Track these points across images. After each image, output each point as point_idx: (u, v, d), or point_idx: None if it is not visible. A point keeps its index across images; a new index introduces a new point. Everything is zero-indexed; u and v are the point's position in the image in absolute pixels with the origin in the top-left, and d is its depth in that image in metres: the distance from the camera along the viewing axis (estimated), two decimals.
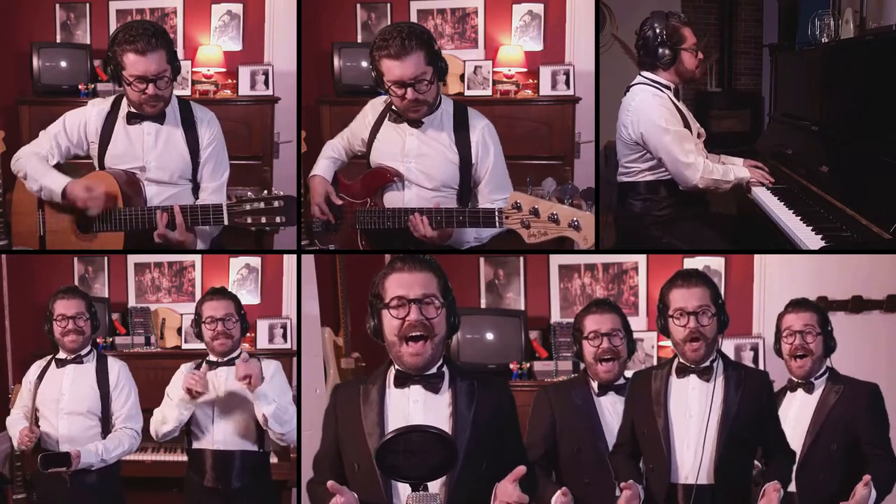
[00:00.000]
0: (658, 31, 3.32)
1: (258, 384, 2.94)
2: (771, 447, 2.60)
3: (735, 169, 3.42)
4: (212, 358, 3.18)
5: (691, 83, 3.49)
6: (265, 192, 2.95)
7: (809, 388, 2.90)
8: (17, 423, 3.20)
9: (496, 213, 2.84)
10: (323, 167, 3.28)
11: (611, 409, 2.88)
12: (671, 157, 3.30)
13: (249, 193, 2.96)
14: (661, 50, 3.32)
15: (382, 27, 3.15)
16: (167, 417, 3.06)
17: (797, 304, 2.93)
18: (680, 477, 2.51)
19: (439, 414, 2.08)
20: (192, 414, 3.09)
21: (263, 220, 2.91)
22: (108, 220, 3.07)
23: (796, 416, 2.85)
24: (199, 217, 3.00)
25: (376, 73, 2.98)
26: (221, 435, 3.08)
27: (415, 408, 2.09)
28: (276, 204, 2.89)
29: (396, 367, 2.13)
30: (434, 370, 2.12)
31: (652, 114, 3.30)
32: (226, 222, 2.96)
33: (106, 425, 3.18)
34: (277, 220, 2.90)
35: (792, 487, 2.82)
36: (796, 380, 2.92)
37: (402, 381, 2.11)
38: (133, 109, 3.13)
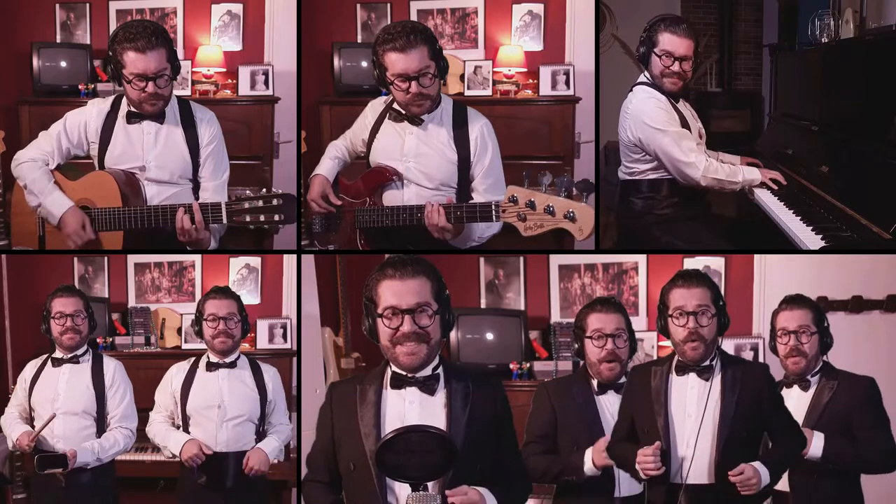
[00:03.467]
0: (645, 28, 3.34)
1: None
2: (777, 435, 2.57)
3: (745, 170, 3.41)
4: (212, 359, 3.18)
5: (666, 91, 3.34)
6: (264, 190, 2.95)
7: (805, 386, 2.90)
8: (12, 423, 3.20)
9: (493, 207, 2.84)
10: (326, 167, 3.28)
11: (610, 409, 2.86)
12: (670, 157, 3.30)
13: (249, 192, 2.96)
14: (640, 47, 3.36)
15: (385, 25, 3.15)
16: (154, 440, 3.21)
17: (791, 302, 2.92)
18: (680, 476, 2.51)
19: (434, 415, 2.08)
20: (198, 421, 3.14)
21: (262, 218, 2.90)
22: (107, 219, 3.07)
23: (791, 413, 2.84)
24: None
25: (379, 70, 2.98)
26: (224, 437, 3.12)
27: (410, 409, 2.09)
28: (274, 202, 2.89)
29: (393, 368, 2.13)
30: (429, 372, 2.12)
31: (646, 117, 3.31)
32: (225, 221, 2.95)
33: (101, 425, 3.18)
34: (276, 218, 2.89)
35: (786, 487, 2.83)
36: (792, 377, 2.92)
37: (399, 382, 2.11)
38: (133, 109, 3.13)
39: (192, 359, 3.28)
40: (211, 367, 3.19)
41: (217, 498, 3.08)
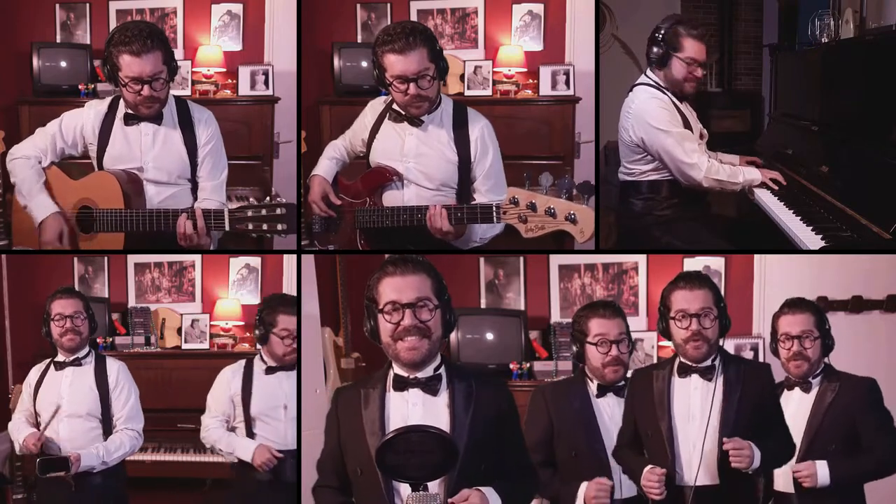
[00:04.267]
0: (662, 29, 3.33)
1: None
2: (770, 435, 2.57)
3: (745, 171, 3.41)
4: (271, 363, 3.20)
5: (679, 93, 3.38)
6: (267, 198, 2.94)
7: (807, 388, 2.89)
8: (19, 428, 3.19)
9: (494, 208, 2.84)
10: (324, 167, 3.28)
11: (609, 412, 2.86)
12: (672, 158, 3.30)
13: (252, 200, 2.95)
14: (654, 48, 3.34)
15: (385, 25, 3.14)
16: (216, 445, 3.22)
17: (793, 306, 2.91)
18: (685, 479, 2.52)
19: (437, 416, 2.09)
20: (266, 422, 3.17)
21: (265, 226, 2.89)
22: (108, 221, 3.07)
23: (793, 415, 2.84)
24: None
25: (378, 70, 2.98)
26: (293, 435, 3.15)
27: (413, 410, 2.10)
28: (278, 211, 2.88)
29: (395, 370, 2.14)
30: (431, 372, 2.12)
31: (649, 117, 3.30)
32: (227, 228, 2.94)
33: (107, 427, 3.17)
34: (279, 227, 2.88)
35: (790, 488, 2.82)
36: (794, 378, 2.92)
37: (401, 384, 2.12)
38: (130, 110, 3.13)
39: (243, 361, 3.27)
40: (270, 370, 3.20)
41: (280, 496, 3.10)
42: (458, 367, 2.30)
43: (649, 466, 2.53)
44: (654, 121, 3.29)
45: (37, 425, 3.17)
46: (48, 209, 3.10)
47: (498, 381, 2.29)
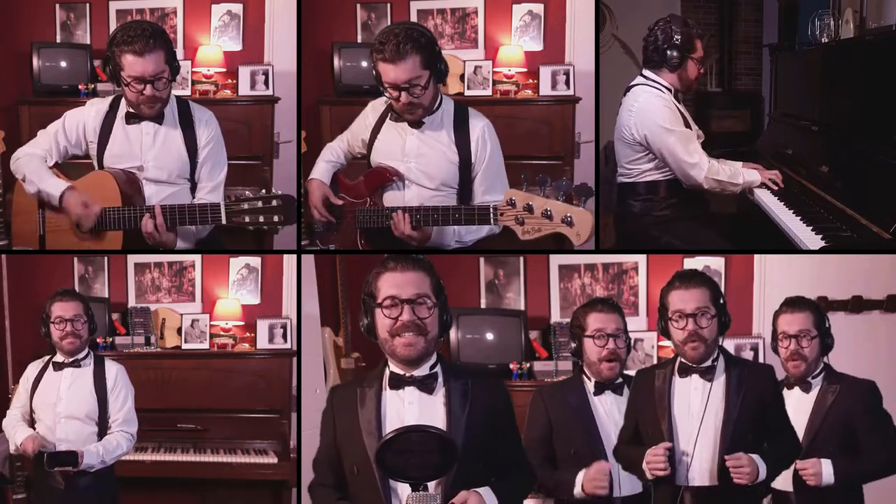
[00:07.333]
0: (673, 33, 3.33)
1: None
2: (774, 438, 2.56)
3: (745, 172, 3.41)
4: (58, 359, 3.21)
5: (686, 93, 3.48)
6: (263, 191, 2.95)
7: (807, 388, 2.90)
8: (14, 424, 3.18)
9: (491, 210, 2.85)
10: (320, 170, 3.28)
11: (606, 410, 2.86)
12: (675, 157, 3.30)
13: (248, 193, 2.96)
14: (670, 52, 3.33)
15: (383, 27, 3.15)
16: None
17: (792, 304, 2.91)
18: (685, 479, 2.51)
19: (433, 415, 2.09)
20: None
21: (261, 219, 2.90)
22: (106, 219, 3.07)
23: (793, 415, 2.82)
24: (196, 216, 3.00)
25: (375, 75, 2.99)
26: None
27: (409, 409, 2.10)
28: (274, 203, 2.89)
29: (391, 368, 2.14)
30: (427, 371, 2.13)
31: (655, 115, 3.30)
32: (224, 221, 2.96)
33: (102, 429, 3.17)
34: (275, 219, 2.89)
35: (789, 487, 2.83)
36: (793, 378, 2.92)
37: (397, 383, 2.12)
38: (132, 109, 3.13)
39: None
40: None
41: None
42: (454, 365, 2.31)
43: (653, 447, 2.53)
44: (660, 119, 3.29)
45: (32, 423, 3.17)
46: (61, 185, 3.11)
47: (494, 380, 2.29)
